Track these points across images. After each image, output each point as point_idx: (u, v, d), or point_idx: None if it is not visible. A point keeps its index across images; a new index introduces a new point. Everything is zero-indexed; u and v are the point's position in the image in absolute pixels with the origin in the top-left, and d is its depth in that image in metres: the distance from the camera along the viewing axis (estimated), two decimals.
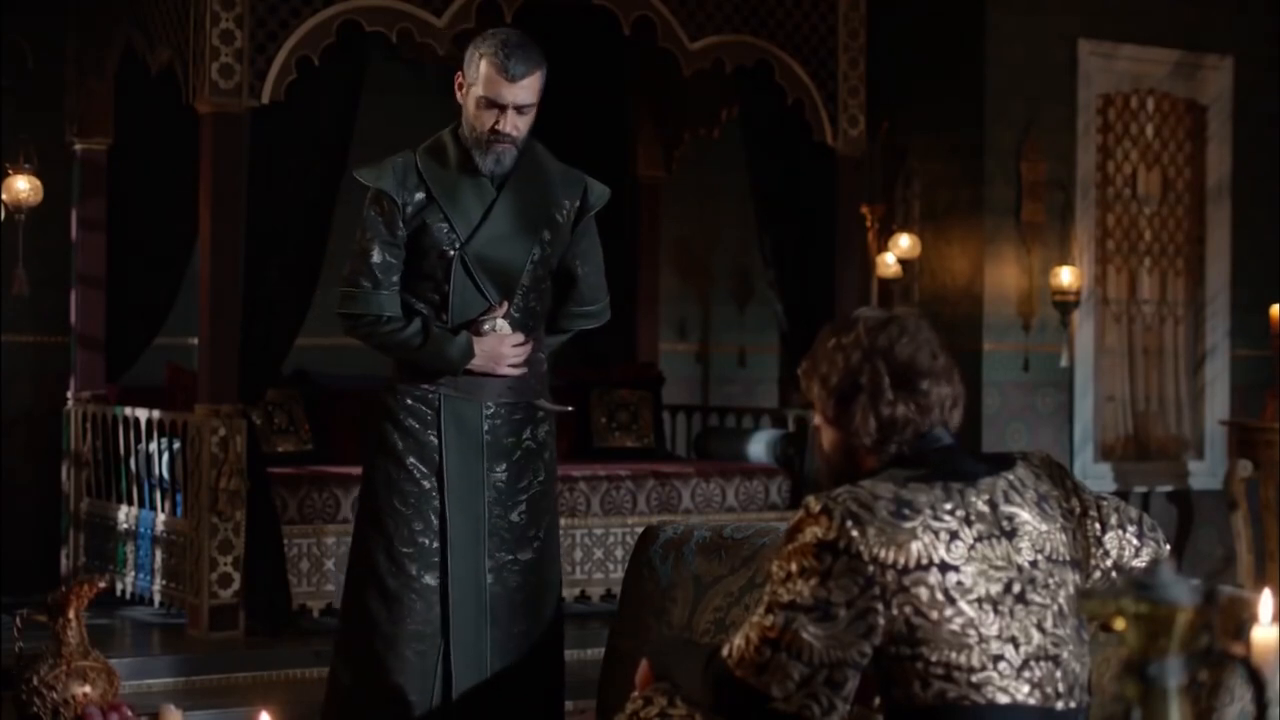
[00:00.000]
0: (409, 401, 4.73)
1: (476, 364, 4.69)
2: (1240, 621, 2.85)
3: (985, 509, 2.99)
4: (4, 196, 8.18)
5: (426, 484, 4.66)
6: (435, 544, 4.63)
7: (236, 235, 7.73)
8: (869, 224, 10.29)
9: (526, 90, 4.71)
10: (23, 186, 8.17)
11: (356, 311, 4.75)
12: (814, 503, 2.96)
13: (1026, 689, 2.95)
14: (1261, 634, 2.30)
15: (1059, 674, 2.99)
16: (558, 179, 4.88)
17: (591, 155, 10.01)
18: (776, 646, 2.92)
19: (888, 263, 10.24)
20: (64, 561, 8.76)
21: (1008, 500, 3.03)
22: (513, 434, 4.76)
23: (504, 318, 4.74)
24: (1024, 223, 10.10)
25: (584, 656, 7.58)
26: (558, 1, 8.60)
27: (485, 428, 4.72)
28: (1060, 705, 2.98)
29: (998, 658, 2.93)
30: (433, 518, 4.64)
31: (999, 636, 2.93)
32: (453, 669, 4.59)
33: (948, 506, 2.96)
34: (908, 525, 2.92)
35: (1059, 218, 10.17)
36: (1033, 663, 2.96)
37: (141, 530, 8.21)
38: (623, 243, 10.30)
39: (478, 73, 4.71)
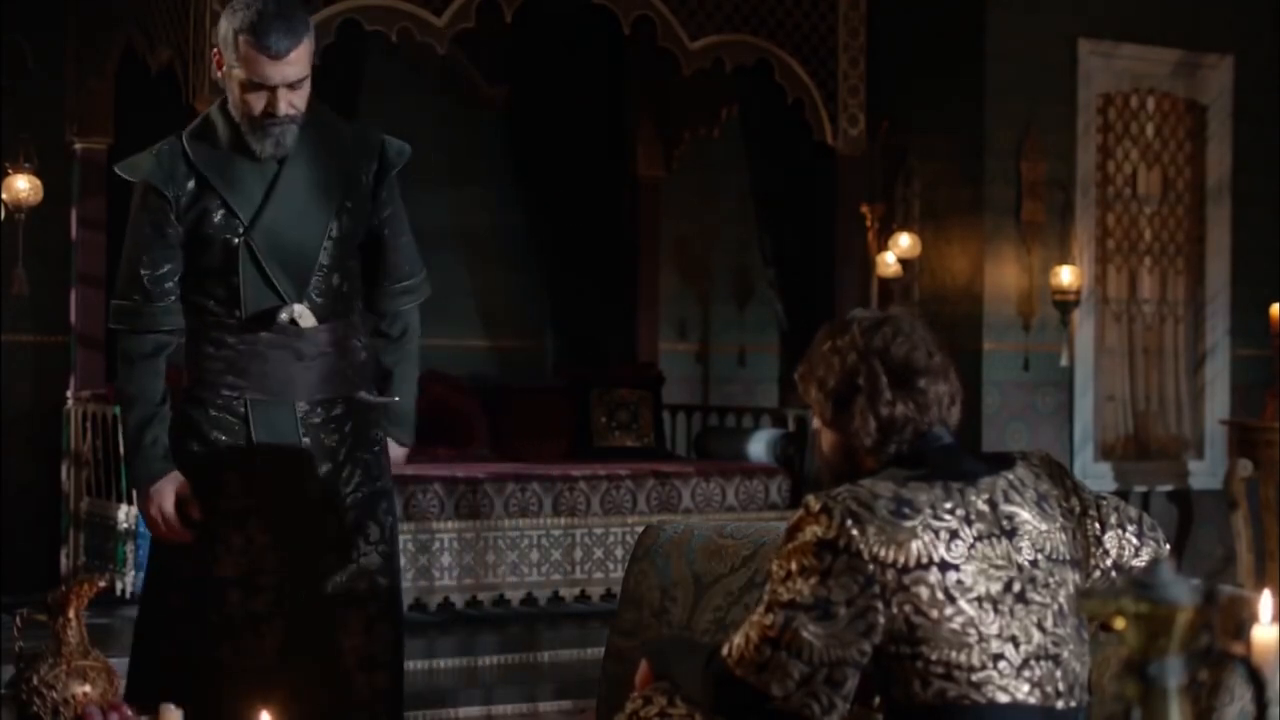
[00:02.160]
0: (213, 412, 4.23)
1: (142, 506, 4.22)
2: (1240, 621, 2.85)
3: (985, 508, 2.99)
4: (4, 196, 8.18)
5: (248, 502, 4.22)
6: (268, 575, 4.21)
7: None
8: (869, 223, 10.29)
9: (295, 66, 4.08)
10: (23, 186, 8.17)
11: (127, 328, 4.20)
12: (814, 502, 2.96)
13: (1026, 688, 2.95)
14: (1261, 633, 2.30)
15: (1059, 673, 2.99)
16: (350, 141, 4.31)
17: (591, 155, 10.07)
18: (776, 645, 2.92)
19: (888, 262, 10.24)
20: (64, 561, 8.76)
21: (1008, 499, 3.03)
22: (335, 433, 4.28)
23: (300, 303, 4.20)
24: (1024, 222, 10.10)
25: (584, 656, 7.59)
26: (558, 1, 8.60)
27: (301, 430, 4.24)
28: (1060, 704, 2.98)
29: (998, 657, 2.93)
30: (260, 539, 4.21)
31: (999, 635, 2.93)
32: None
33: (948, 506, 2.96)
34: (908, 524, 2.92)
35: (1059, 217, 10.17)
36: (1033, 662, 2.96)
37: (141, 530, 8.19)
38: (622, 242, 10.31)
39: (235, 52, 4.09)
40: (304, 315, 4.19)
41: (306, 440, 4.22)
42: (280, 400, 4.21)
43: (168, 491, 4.17)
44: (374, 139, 4.32)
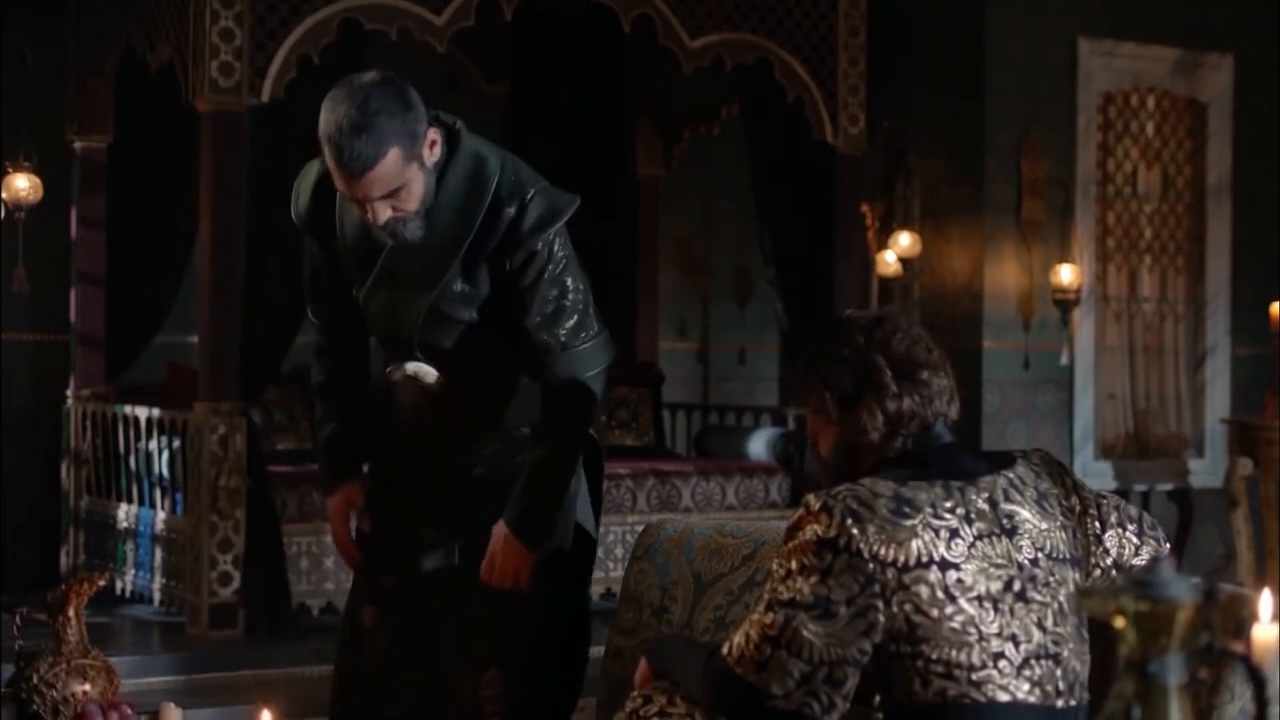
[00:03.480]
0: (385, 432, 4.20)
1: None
2: (1241, 619, 2.85)
3: (985, 507, 3.00)
4: (4, 194, 8.17)
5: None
6: None
7: (236, 233, 7.73)
8: (869, 222, 10.29)
9: (378, 183, 3.69)
10: (22, 184, 8.17)
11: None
12: (814, 500, 2.96)
13: (1027, 687, 2.95)
14: (1262, 632, 2.30)
15: (1059, 672, 2.99)
16: (480, 213, 3.84)
17: (591, 153, 10.07)
18: (777, 644, 2.91)
19: (888, 261, 10.24)
20: (64, 559, 8.76)
21: (1008, 498, 3.03)
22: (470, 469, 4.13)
23: (414, 362, 4.01)
24: (1024, 221, 10.10)
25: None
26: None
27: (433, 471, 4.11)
28: (1060, 703, 2.98)
29: (998, 656, 2.93)
30: None
31: (999, 634, 2.93)
32: None
33: (948, 504, 2.96)
34: (908, 523, 2.92)
35: (1059, 216, 10.17)
36: (1033, 661, 2.96)
37: (141, 528, 8.21)
38: (622, 241, 10.31)
39: (325, 155, 3.77)
40: (424, 372, 4.01)
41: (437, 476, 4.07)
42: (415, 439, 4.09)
43: (332, 506, 4.16)
44: (507, 213, 3.84)
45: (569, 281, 3.93)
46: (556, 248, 3.88)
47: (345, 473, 4.17)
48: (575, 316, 3.95)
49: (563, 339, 3.94)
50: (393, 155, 3.67)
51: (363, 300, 3.97)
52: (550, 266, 3.88)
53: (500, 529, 3.94)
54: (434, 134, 3.78)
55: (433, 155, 3.78)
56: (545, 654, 4.07)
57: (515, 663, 4.02)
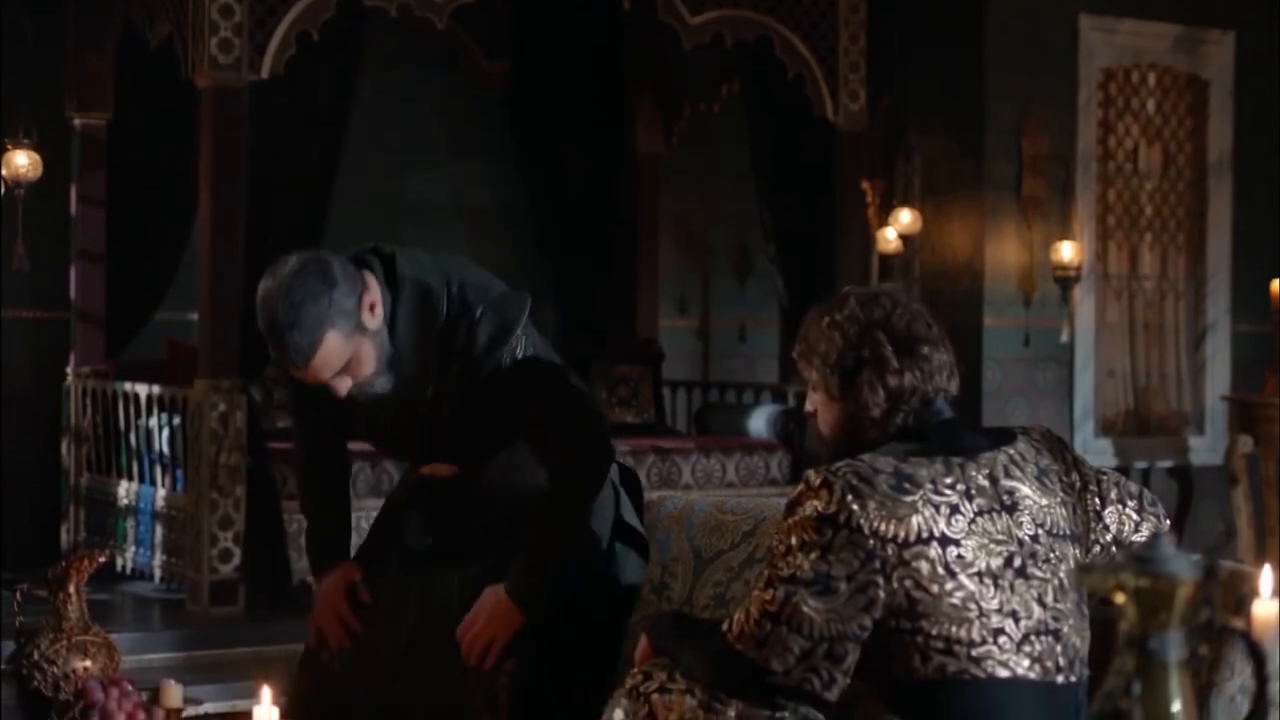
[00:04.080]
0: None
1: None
2: (1241, 596, 2.86)
3: (986, 483, 3.00)
4: (3, 171, 8.16)
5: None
6: None
7: (236, 210, 7.73)
8: (869, 199, 10.28)
9: (324, 368, 3.67)
10: (22, 161, 8.15)
11: None
12: (814, 476, 2.96)
13: (1027, 663, 2.95)
14: (1262, 608, 2.30)
15: (1059, 648, 2.99)
16: (436, 331, 3.81)
17: (591, 130, 10.06)
18: (777, 620, 2.91)
19: (888, 238, 10.24)
20: (64, 536, 8.77)
21: (1008, 474, 3.03)
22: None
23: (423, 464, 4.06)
24: (1024, 198, 10.09)
25: None
26: None
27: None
28: (1060, 679, 2.99)
29: (998, 632, 2.93)
30: None
31: (999, 610, 2.93)
32: None
33: (948, 480, 2.96)
34: (908, 499, 2.92)
35: (1060, 193, 10.16)
36: (1033, 637, 2.96)
37: (142, 505, 8.21)
38: (622, 218, 10.30)
39: None
40: (438, 470, 4.01)
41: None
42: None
43: (328, 582, 4.13)
44: (460, 337, 3.80)
45: (544, 373, 3.90)
46: (520, 353, 3.85)
47: (339, 557, 4.16)
48: (561, 400, 3.91)
49: (556, 422, 3.89)
50: (329, 338, 3.63)
51: (359, 432, 4.03)
52: (520, 369, 3.84)
53: (494, 591, 3.85)
54: (370, 296, 3.72)
55: (375, 318, 3.72)
56: (570, 639, 3.98)
57: (537, 653, 3.94)
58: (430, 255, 3.91)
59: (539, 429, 3.88)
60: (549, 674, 3.93)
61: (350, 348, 3.67)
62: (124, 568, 8.27)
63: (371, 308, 3.70)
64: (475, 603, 3.86)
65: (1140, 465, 10.31)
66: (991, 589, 2.93)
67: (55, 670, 3.86)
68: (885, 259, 10.40)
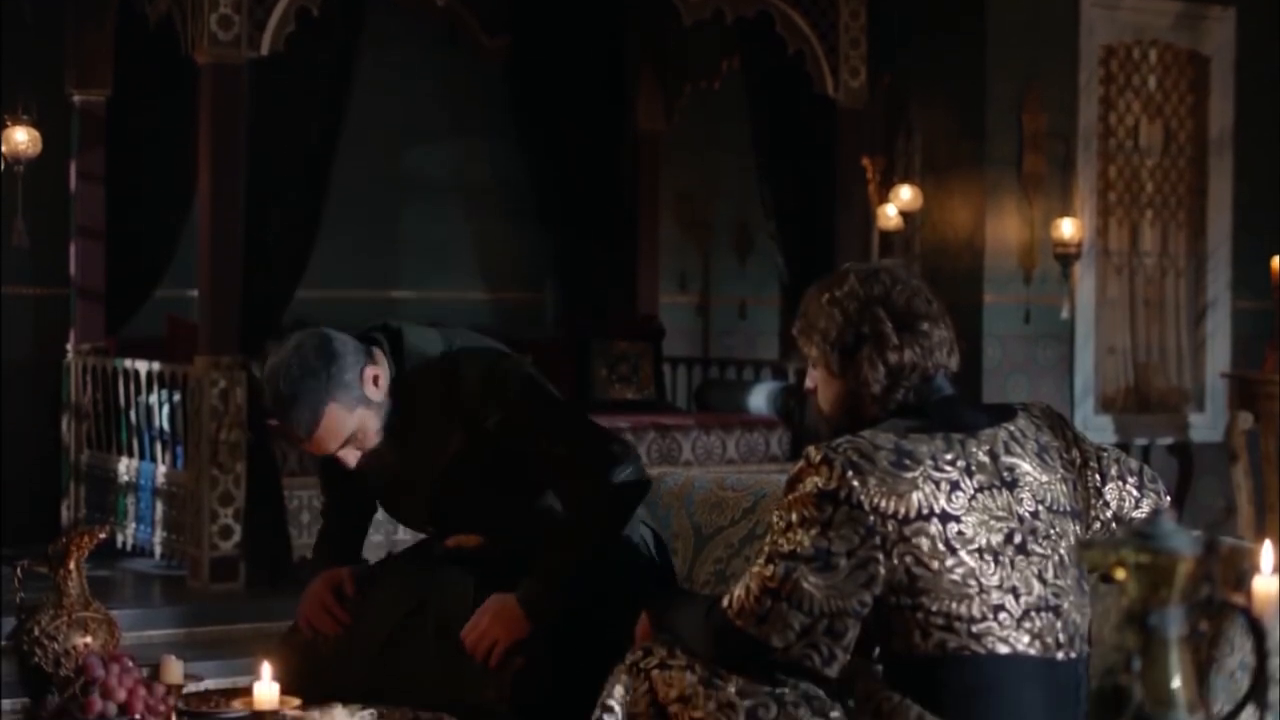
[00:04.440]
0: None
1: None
2: (1241, 572, 2.86)
3: (986, 459, 3.00)
4: (3, 148, 8.15)
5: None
6: None
7: (236, 186, 7.71)
8: (870, 176, 10.27)
9: (330, 438, 3.79)
10: (21, 138, 8.14)
11: None
12: (815, 453, 2.96)
13: (1027, 639, 2.95)
14: (1262, 584, 2.30)
15: (1059, 624, 2.99)
16: (438, 397, 3.89)
17: (592, 107, 10.04)
18: (777, 596, 2.92)
19: (888, 215, 10.23)
20: (64, 513, 8.77)
21: (1008, 451, 3.03)
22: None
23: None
24: (1025, 174, 10.08)
25: None
26: None
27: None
28: (1060, 655, 2.99)
29: (998, 608, 2.93)
30: None
31: (999, 587, 2.94)
32: None
33: (948, 457, 2.97)
34: (908, 475, 2.92)
35: (1060, 170, 10.15)
36: (1033, 613, 2.96)
37: (142, 482, 8.21)
38: (623, 194, 10.29)
39: None
40: (464, 541, 4.03)
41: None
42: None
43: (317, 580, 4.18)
44: (463, 398, 3.86)
45: (548, 417, 3.90)
46: (520, 394, 3.87)
47: (336, 562, 4.19)
48: (572, 433, 3.91)
49: (572, 452, 3.87)
50: (331, 411, 3.74)
51: (383, 507, 4.16)
52: (525, 419, 3.85)
53: (503, 597, 3.85)
54: (373, 369, 3.80)
55: (379, 390, 3.81)
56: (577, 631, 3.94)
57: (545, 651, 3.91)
58: (436, 329, 4.00)
59: (560, 464, 3.86)
60: (554, 655, 3.91)
61: (355, 420, 3.78)
62: (124, 544, 8.27)
63: (375, 380, 3.81)
64: (482, 605, 3.86)
65: (1140, 442, 10.31)
66: (992, 565, 2.94)
67: (56, 646, 3.86)
68: (886, 236, 10.39)
